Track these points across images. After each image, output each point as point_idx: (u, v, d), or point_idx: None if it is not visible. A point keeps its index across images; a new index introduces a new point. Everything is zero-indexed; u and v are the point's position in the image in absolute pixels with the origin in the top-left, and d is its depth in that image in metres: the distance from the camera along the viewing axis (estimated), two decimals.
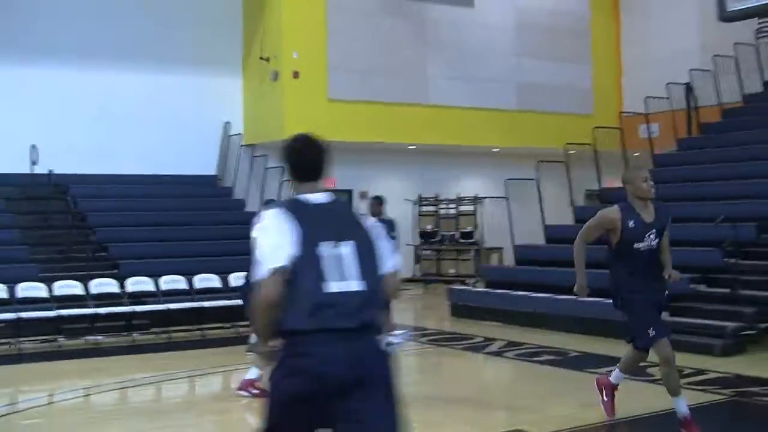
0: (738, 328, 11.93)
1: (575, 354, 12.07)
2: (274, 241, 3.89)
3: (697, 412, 8.05)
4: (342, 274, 3.89)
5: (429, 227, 22.70)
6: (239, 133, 21.30)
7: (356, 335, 3.87)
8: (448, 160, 23.41)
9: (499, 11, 22.95)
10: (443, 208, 22.89)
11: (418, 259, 22.84)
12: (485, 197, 21.30)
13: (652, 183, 7.21)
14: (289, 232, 3.87)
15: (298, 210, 3.98)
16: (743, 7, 11.54)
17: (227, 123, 21.35)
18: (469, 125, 22.13)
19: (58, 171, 18.51)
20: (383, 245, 4.14)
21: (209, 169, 21.08)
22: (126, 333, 14.28)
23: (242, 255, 9.66)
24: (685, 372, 9.82)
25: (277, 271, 3.81)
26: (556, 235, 16.99)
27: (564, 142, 18.36)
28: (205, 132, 20.89)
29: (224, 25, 21.49)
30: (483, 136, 22.42)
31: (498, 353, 12.47)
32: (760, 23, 19.68)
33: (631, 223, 7.09)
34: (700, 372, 10.49)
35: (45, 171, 18.47)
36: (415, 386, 10.89)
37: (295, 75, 20.27)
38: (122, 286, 14.90)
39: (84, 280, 14.71)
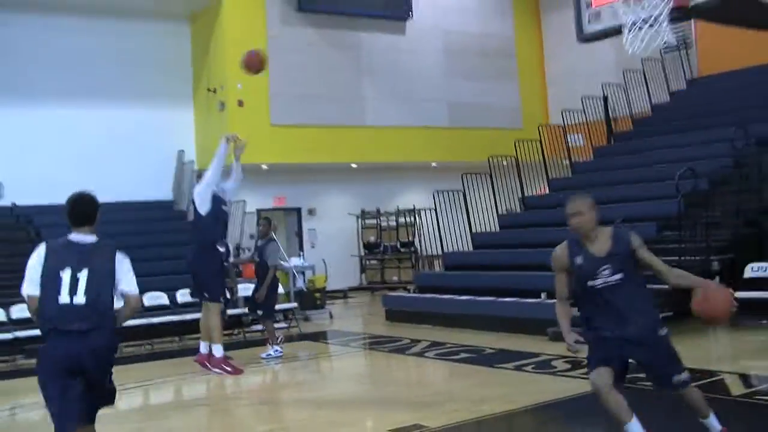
0: None
1: (490, 351, 12.28)
2: (31, 272, 5.58)
3: (582, 399, 8.21)
4: (74, 292, 5.44)
5: (372, 239, 22.92)
6: (192, 160, 21.44)
7: (77, 335, 5.40)
8: (389, 176, 23.70)
9: (429, 37, 23.25)
10: (384, 221, 23.09)
11: (363, 268, 23.06)
12: (421, 209, 21.51)
13: (578, 220, 5.90)
14: (41, 263, 5.56)
15: (56, 247, 5.63)
16: (597, 29, 11.87)
17: (181, 151, 21.55)
18: (404, 143, 22.45)
19: (22, 203, 18.61)
20: (124, 275, 5.66)
21: (166, 194, 21.22)
22: None
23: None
24: (575, 361, 10.05)
25: (28, 296, 5.59)
26: (481, 242, 17.30)
27: (496, 155, 18.47)
28: (161, 160, 21.09)
29: (175, 62, 21.81)
30: (418, 153, 22.75)
31: (420, 353, 12.67)
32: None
33: (578, 260, 5.95)
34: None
35: (9, 204, 18.60)
36: (333, 388, 11.10)
37: (240, 104, 20.47)
38: None
39: None
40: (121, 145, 20.57)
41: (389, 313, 16.50)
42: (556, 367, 10.62)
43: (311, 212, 23.44)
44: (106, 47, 20.67)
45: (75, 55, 20.27)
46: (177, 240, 18.70)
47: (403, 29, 22.80)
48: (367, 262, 22.94)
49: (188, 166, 21.42)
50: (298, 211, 23.41)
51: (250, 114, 20.62)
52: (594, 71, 21.96)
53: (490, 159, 17.82)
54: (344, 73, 22.05)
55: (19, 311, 14.42)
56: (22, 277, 15.55)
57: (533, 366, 10.84)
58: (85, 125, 20.26)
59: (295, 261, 18.37)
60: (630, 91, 19.91)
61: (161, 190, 21.06)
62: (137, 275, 5.72)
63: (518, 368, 10.78)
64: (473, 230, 17.60)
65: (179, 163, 21.51)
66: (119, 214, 19.62)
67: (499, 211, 17.88)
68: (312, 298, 17.73)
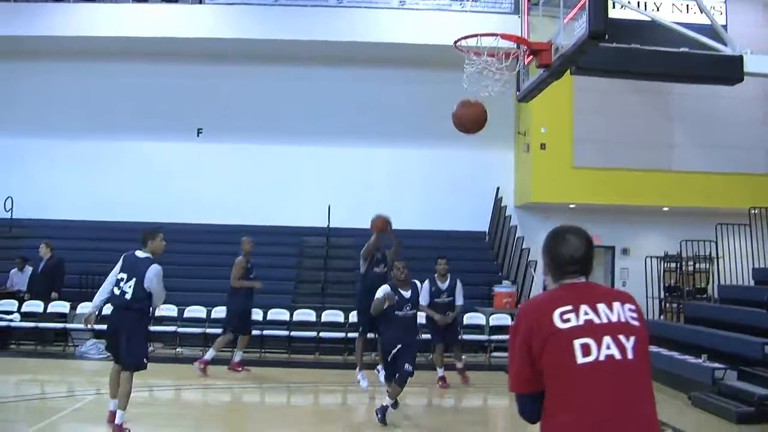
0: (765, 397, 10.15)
1: None
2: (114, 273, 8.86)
3: None
4: (124, 287, 8.61)
5: (671, 282, 20.90)
6: (501, 197, 21.60)
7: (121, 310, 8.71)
8: (699, 222, 21.23)
9: (752, 83, 20.53)
10: (684, 266, 20.86)
11: (662, 310, 21.13)
12: (718, 257, 19.18)
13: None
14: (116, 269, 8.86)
15: (125, 259, 8.79)
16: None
17: (498, 188, 21.73)
18: (716, 189, 20.24)
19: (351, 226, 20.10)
20: (151, 276, 8.58)
21: (482, 226, 21.60)
22: None
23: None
24: None
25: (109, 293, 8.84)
26: (727, 295, 15.21)
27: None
28: (480, 195, 21.54)
29: (503, 106, 21.93)
30: (732, 199, 20.17)
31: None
32: None
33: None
34: None
35: (335, 225, 20.39)
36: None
37: (542, 147, 20.17)
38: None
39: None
40: (447, 180, 21.44)
41: None
42: None
43: (625, 252, 22.18)
44: (439, 93, 21.53)
45: (406, 101, 21.63)
46: (482, 268, 19.95)
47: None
48: (666, 305, 20.98)
49: (504, 202, 21.57)
50: (612, 249, 22.26)
51: (552, 156, 20.27)
52: None
53: (751, 210, 15.61)
54: (650, 119, 20.56)
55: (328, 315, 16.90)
56: (322, 287, 17.20)
57: None
58: (414, 161, 21.68)
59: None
60: None
61: (478, 223, 21.50)
62: None
63: None
64: (721, 282, 15.54)
65: (496, 199, 21.74)
66: (438, 242, 20.41)
67: (755, 264, 15.51)
68: None
